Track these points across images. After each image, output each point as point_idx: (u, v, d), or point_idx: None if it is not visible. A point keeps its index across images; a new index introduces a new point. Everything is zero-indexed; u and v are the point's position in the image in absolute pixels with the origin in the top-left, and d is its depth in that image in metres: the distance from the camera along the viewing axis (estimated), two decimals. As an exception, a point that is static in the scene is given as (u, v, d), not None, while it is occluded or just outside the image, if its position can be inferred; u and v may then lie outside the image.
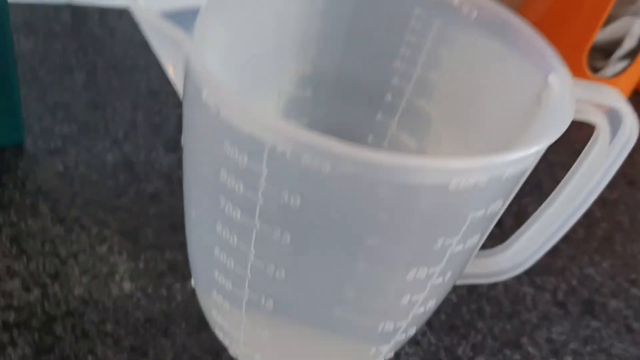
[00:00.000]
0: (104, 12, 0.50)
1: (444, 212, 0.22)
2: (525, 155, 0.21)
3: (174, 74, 0.25)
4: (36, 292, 0.32)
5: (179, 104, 0.44)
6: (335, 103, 0.33)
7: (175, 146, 0.41)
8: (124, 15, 0.50)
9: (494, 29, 0.29)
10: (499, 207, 0.24)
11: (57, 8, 0.49)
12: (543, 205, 0.30)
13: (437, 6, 0.30)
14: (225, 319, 0.28)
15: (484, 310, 0.37)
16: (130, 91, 0.44)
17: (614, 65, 0.56)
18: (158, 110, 0.43)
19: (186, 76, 0.23)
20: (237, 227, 0.23)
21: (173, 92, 0.45)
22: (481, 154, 0.21)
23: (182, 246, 0.36)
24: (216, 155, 0.23)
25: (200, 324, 0.32)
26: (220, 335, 0.30)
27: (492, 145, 0.29)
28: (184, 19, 0.25)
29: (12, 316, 0.31)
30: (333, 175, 0.20)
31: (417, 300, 0.25)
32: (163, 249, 0.35)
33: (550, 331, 0.37)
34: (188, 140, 0.25)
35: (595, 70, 0.56)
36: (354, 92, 0.33)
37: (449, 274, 0.25)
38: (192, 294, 0.34)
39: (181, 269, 0.35)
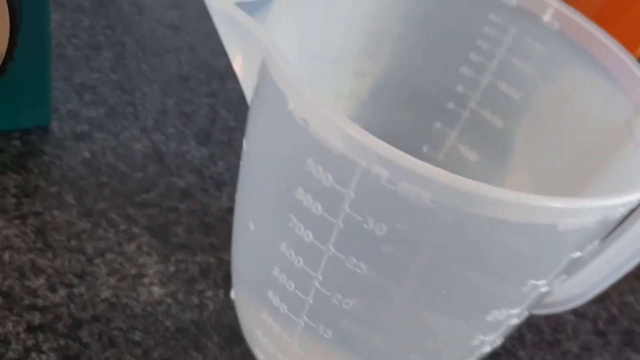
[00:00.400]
0: (132, -11, 0.48)
1: (543, 253, 0.20)
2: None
3: (241, 68, 0.22)
4: (62, 293, 0.30)
5: (210, 93, 0.42)
6: (392, 108, 0.31)
7: (206, 139, 0.39)
8: (154, -7, 0.48)
9: (577, 42, 0.27)
10: (594, 247, 0.22)
11: (84, -19, 0.47)
12: (610, 237, 0.28)
13: (515, 13, 0.28)
14: (272, 342, 0.26)
15: (525, 337, 0.35)
16: (160, 75, 0.42)
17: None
18: (188, 98, 0.41)
19: (263, 77, 0.21)
20: (306, 250, 0.21)
21: (204, 80, 0.43)
22: (595, 194, 0.19)
23: (214, 249, 0.34)
24: (294, 170, 0.20)
25: (233, 337, 0.30)
26: (260, 356, 0.28)
27: (571, 169, 0.27)
28: (251, 8, 0.22)
29: (37, 317, 0.28)
30: (431, 206, 0.18)
31: (488, 341, 0.23)
32: (194, 250, 0.33)
33: (590, 361, 0.35)
34: (256, 144, 0.23)
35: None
36: (413, 97, 0.31)
37: (524, 314, 0.23)
38: (225, 303, 0.31)
39: (213, 274, 0.33)
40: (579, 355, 0.36)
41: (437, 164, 0.31)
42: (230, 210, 0.35)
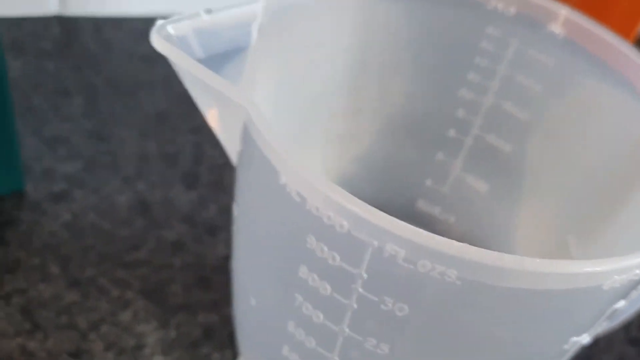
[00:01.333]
0: (98, 24, 0.45)
1: (586, 312, 0.18)
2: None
3: (218, 124, 0.20)
4: (56, 379, 0.27)
5: (193, 129, 0.39)
6: (389, 142, 0.28)
7: (194, 181, 0.36)
8: (120, 25, 0.45)
9: (587, 50, 0.24)
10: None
11: (46, 22, 0.44)
12: None
13: (515, 23, 0.25)
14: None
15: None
16: (136, 115, 0.39)
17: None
18: (170, 137, 0.38)
19: (248, 142, 0.18)
20: (318, 330, 0.19)
21: (184, 114, 0.40)
22: (603, 247, 0.16)
23: (216, 305, 0.31)
24: (295, 247, 0.18)
25: (248, 402, 0.28)
26: None
27: (591, 192, 0.24)
28: (223, 60, 0.20)
29: (31, 414, 0.26)
30: (458, 283, 0.16)
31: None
32: (195, 309, 0.31)
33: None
34: (248, 214, 0.20)
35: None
36: (410, 128, 0.28)
37: (566, 363, 0.21)
38: (234, 364, 0.29)
39: (218, 334, 0.30)
40: (615, 368, 0.33)
41: (442, 197, 0.29)
42: (227, 258, 0.33)
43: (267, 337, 0.22)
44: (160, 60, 0.44)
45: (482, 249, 0.15)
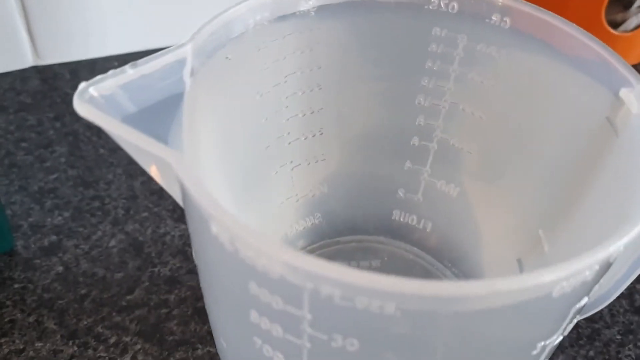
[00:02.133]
0: (73, 69, 0.45)
1: (544, 319, 0.17)
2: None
3: (159, 177, 0.20)
4: None
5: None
6: (355, 160, 0.28)
7: (183, 214, 0.36)
8: (95, 68, 0.45)
9: (535, 37, 0.24)
10: (601, 285, 0.19)
11: (23, 75, 0.44)
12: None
13: (459, 20, 0.25)
14: None
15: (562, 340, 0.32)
16: (121, 157, 0.40)
17: (636, 17, 0.50)
18: (156, 173, 0.39)
19: (184, 194, 0.18)
20: (283, 370, 0.19)
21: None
22: (571, 237, 0.16)
23: (212, 337, 0.31)
24: (241, 294, 0.18)
25: None
26: None
27: (558, 183, 0.24)
28: (158, 109, 0.20)
29: None
30: (400, 314, 0.15)
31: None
32: (193, 344, 0.31)
33: (638, 346, 0.32)
34: (200, 262, 0.20)
35: (614, 25, 0.50)
36: (374, 142, 0.28)
37: (546, 363, 0.21)
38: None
39: (218, 366, 0.30)
40: (623, 341, 0.33)
41: (416, 205, 0.29)
42: (221, 289, 0.33)
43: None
44: (137, 97, 0.44)
45: (414, 280, 0.15)
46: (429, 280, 0.15)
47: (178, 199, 0.20)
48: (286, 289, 0.16)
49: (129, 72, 0.19)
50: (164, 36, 0.46)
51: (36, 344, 0.31)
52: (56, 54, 0.44)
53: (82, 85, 0.19)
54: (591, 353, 0.32)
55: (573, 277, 0.16)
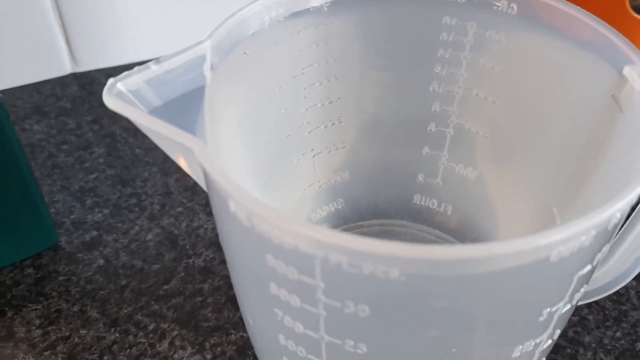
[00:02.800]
0: (110, 74, 0.47)
1: (546, 284, 0.18)
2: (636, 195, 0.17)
3: (187, 167, 0.21)
4: (104, 416, 0.29)
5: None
6: (375, 147, 0.29)
7: (215, 208, 0.38)
8: (132, 71, 0.47)
9: (541, 21, 0.25)
10: (605, 252, 0.20)
11: (62, 82, 0.47)
12: (635, 214, 0.26)
13: (468, 8, 0.26)
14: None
15: (587, 320, 0.33)
16: (156, 156, 0.41)
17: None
18: (189, 170, 0.40)
19: (207, 179, 0.20)
20: (303, 340, 0.20)
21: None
22: (580, 212, 0.17)
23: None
24: (261, 266, 0.19)
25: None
26: None
27: (569, 162, 0.25)
28: (182, 102, 0.21)
29: None
30: (404, 278, 0.16)
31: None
32: (227, 329, 0.33)
33: (666, 325, 0.33)
34: (223, 241, 0.22)
35: (639, 11, 0.50)
36: (392, 130, 0.29)
37: (557, 332, 0.21)
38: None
39: (250, 350, 0.32)
40: (652, 324, 0.33)
41: (436, 189, 0.30)
42: (253, 277, 0.34)
43: (269, 350, 0.23)
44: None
45: (414, 245, 0.16)
46: (428, 245, 0.16)
47: (199, 181, 0.22)
48: (299, 259, 0.17)
49: (153, 68, 0.21)
50: (195, 40, 0.47)
51: (80, 331, 0.32)
52: (93, 61, 0.46)
53: (111, 81, 0.20)
54: (618, 334, 0.32)
55: (569, 241, 0.17)
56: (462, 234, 0.30)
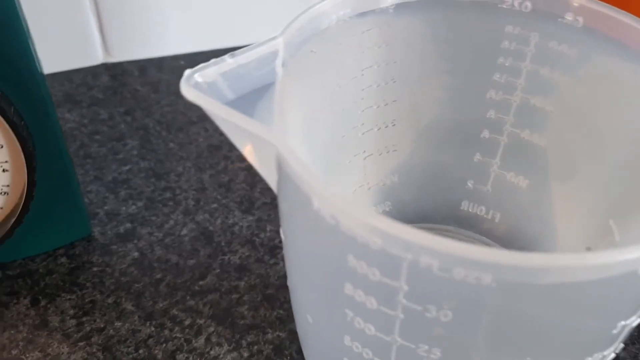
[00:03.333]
0: (142, 66, 0.47)
1: (628, 297, 0.18)
2: None
3: (254, 158, 0.21)
4: (142, 410, 0.29)
5: (243, 157, 0.41)
6: (427, 151, 0.29)
7: (250, 206, 0.38)
8: (163, 65, 0.47)
9: (607, 35, 0.24)
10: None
11: (94, 71, 0.46)
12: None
13: (532, 19, 0.26)
14: None
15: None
16: (190, 150, 0.41)
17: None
18: (223, 167, 0.40)
19: (282, 173, 0.20)
20: (372, 342, 0.20)
21: (234, 145, 0.42)
22: None
23: (282, 322, 0.32)
24: (338, 266, 0.19)
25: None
26: None
27: (630, 176, 0.25)
28: (252, 97, 0.21)
29: None
30: (496, 285, 0.16)
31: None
32: (264, 328, 0.32)
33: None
34: (293, 239, 0.22)
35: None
36: (445, 135, 0.29)
37: (621, 346, 0.21)
38: (306, 378, 0.30)
39: (287, 350, 0.31)
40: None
41: (485, 196, 0.30)
42: (289, 276, 0.34)
43: (327, 351, 0.23)
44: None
45: (512, 252, 0.16)
46: (525, 252, 0.16)
47: (268, 178, 0.22)
48: (385, 260, 0.17)
49: (229, 61, 0.21)
50: (226, 37, 0.47)
51: (115, 324, 0.32)
52: (125, 52, 0.46)
53: (188, 72, 0.20)
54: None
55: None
56: (508, 241, 0.29)
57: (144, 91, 0.45)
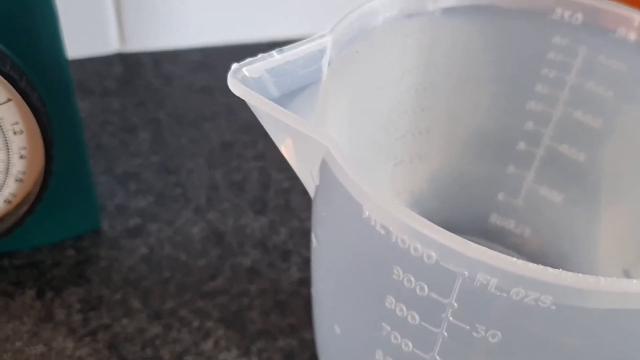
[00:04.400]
0: (157, 58, 0.46)
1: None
2: None
3: (293, 155, 0.20)
4: (147, 413, 0.28)
5: (258, 156, 0.40)
6: (459, 159, 0.28)
7: (263, 207, 0.37)
8: (178, 58, 0.46)
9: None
10: None
11: (107, 60, 0.45)
12: None
13: (582, 31, 0.25)
14: None
15: None
16: (202, 147, 0.40)
17: None
18: (236, 165, 0.39)
19: (327, 176, 0.19)
20: (408, 359, 0.19)
21: (249, 142, 0.41)
22: None
23: (293, 329, 0.31)
24: (380, 278, 0.18)
25: None
26: None
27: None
28: (294, 95, 0.20)
29: None
30: (552, 307, 0.15)
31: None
32: (274, 335, 0.31)
33: None
34: (329, 246, 0.21)
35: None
36: (479, 144, 0.28)
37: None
38: (318, 389, 0.29)
39: (298, 358, 0.30)
40: None
41: (516, 210, 0.29)
42: (301, 282, 0.33)
43: (354, 365, 0.22)
44: (220, 91, 0.45)
45: (577, 274, 0.15)
46: (590, 274, 0.15)
47: (305, 178, 0.21)
48: (437, 274, 0.16)
49: (276, 57, 0.20)
50: (242, 31, 0.46)
51: (122, 321, 0.31)
52: (140, 42, 0.45)
53: (235, 65, 0.19)
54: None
55: None
56: (537, 258, 0.29)
57: (158, 83, 0.44)
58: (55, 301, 0.31)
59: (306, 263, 0.34)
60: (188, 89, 0.44)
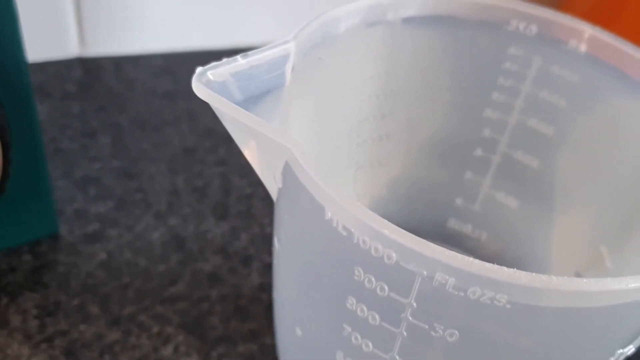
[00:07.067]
0: (118, 63, 0.46)
1: (631, 324, 0.18)
2: None
3: (256, 159, 0.21)
4: (106, 419, 0.28)
5: (219, 161, 0.40)
6: (417, 165, 0.29)
7: (225, 213, 0.37)
8: (139, 63, 0.46)
9: (609, 64, 0.25)
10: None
11: (67, 64, 0.45)
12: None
13: (536, 42, 0.26)
14: None
15: None
16: (164, 152, 0.40)
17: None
18: (198, 171, 0.39)
19: (289, 178, 0.19)
20: (367, 358, 0.19)
21: (210, 147, 0.41)
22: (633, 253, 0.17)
23: (254, 335, 0.32)
24: (342, 279, 0.18)
25: None
26: None
27: (623, 204, 0.25)
28: (257, 100, 0.21)
29: None
30: (507, 306, 0.16)
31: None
32: (234, 340, 0.31)
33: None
34: (291, 248, 0.21)
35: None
36: (437, 150, 0.29)
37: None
38: (278, 394, 0.29)
39: (259, 363, 0.31)
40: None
41: (473, 215, 0.30)
42: (262, 287, 0.33)
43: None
44: (182, 96, 0.45)
45: (531, 273, 0.15)
46: (544, 274, 0.15)
47: (268, 181, 0.21)
48: (397, 275, 0.17)
49: (241, 61, 0.20)
50: (205, 37, 0.47)
51: (80, 327, 0.31)
52: (101, 46, 0.45)
53: (200, 69, 0.19)
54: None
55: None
56: (494, 261, 0.29)
57: (119, 87, 0.44)
58: (10, 307, 0.31)
59: (267, 268, 0.34)
60: (150, 94, 0.44)
